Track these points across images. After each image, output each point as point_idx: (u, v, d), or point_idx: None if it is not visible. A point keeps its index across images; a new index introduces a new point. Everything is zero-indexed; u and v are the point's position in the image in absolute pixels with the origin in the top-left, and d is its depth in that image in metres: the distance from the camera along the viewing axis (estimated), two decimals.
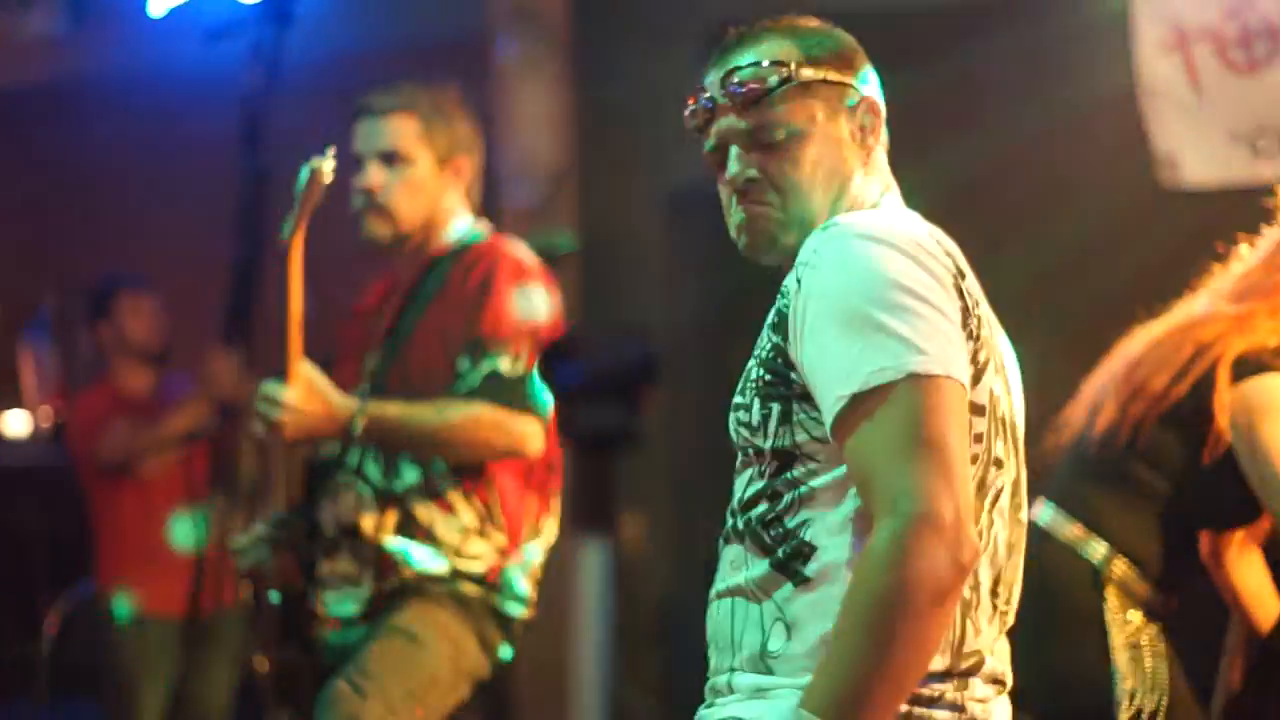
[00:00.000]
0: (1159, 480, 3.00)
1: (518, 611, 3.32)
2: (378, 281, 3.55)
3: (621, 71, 5.97)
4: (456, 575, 3.24)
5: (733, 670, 2.12)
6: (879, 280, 2.01)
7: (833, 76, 2.19)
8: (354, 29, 6.47)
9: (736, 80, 2.17)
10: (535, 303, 3.26)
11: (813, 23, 2.26)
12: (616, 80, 5.96)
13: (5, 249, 7.64)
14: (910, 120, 2.43)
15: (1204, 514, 3.08)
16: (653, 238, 5.62)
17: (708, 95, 2.21)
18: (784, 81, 2.16)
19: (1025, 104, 4.99)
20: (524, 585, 3.33)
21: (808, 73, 2.17)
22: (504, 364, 3.20)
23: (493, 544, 3.26)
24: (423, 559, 3.22)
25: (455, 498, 3.25)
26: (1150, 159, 4.76)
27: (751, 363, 2.14)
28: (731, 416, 2.15)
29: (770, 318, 2.12)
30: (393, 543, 3.22)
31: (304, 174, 3.07)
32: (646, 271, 5.68)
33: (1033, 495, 2.30)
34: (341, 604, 3.25)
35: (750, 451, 2.13)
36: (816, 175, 2.16)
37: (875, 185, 2.23)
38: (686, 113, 2.25)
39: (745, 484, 2.14)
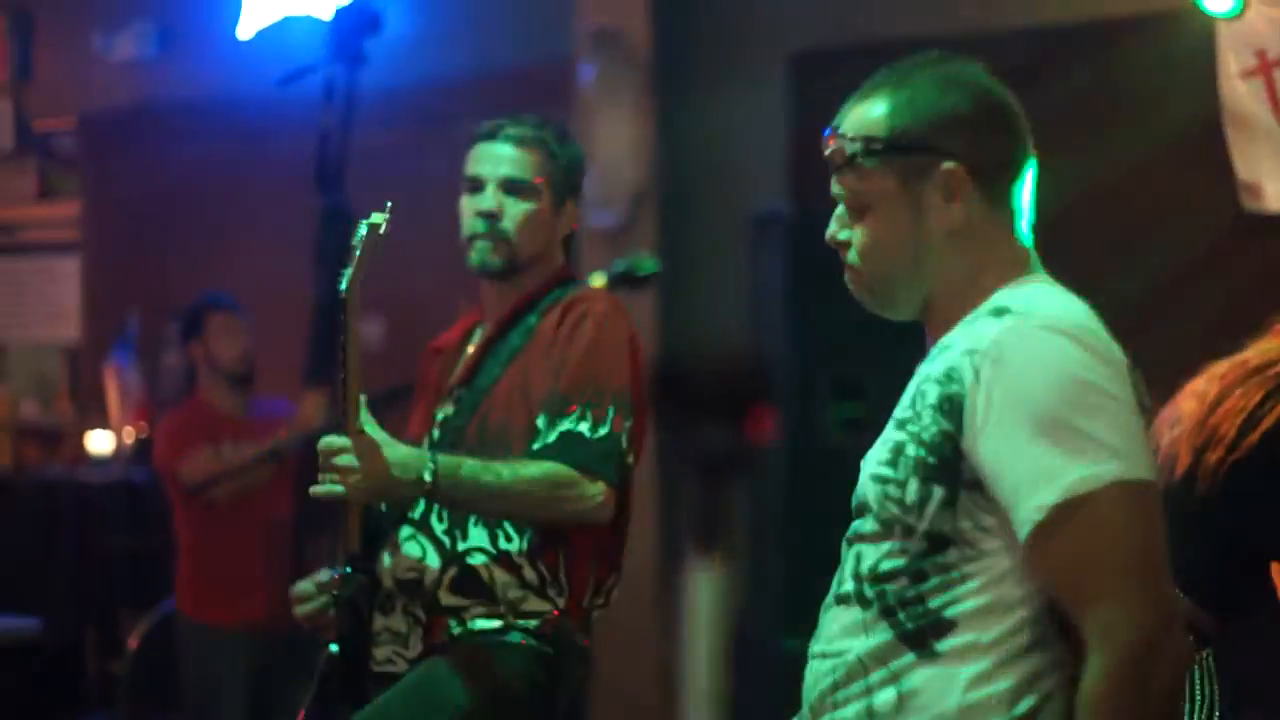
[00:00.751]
0: (1234, 520, 2.96)
1: (570, 664, 3.17)
2: (461, 319, 3.47)
3: (703, 95, 5.98)
4: (509, 628, 3.12)
5: None
6: (1070, 379, 2.02)
7: (917, 143, 2.17)
8: (437, 55, 6.52)
9: (831, 144, 2.21)
10: (624, 364, 3.14)
11: (925, 74, 2.22)
12: (698, 104, 5.97)
13: (91, 268, 7.72)
14: None
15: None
16: (733, 261, 5.62)
17: (828, 145, 2.24)
18: (866, 153, 2.17)
19: (1108, 133, 4.97)
20: (580, 640, 3.19)
21: (890, 142, 2.17)
22: (584, 426, 3.06)
23: (552, 604, 3.14)
24: (476, 619, 3.11)
25: (520, 559, 3.11)
26: (1234, 187, 4.73)
27: (903, 436, 2.12)
28: (874, 486, 2.14)
29: (931, 396, 2.10)
30: (448, 600, 3.11)
31: (362, 229, 3.00)
32: (726, 295, 5.68)
33: None
34: (391, 661, 3.14)
35: (895, 526, 2.12)
36: (886, 251, 2.19)
37: (986, 254, 2.20)
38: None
39: (880, 555, 2.13)
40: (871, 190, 2.18)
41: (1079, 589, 2.00)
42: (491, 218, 3.21)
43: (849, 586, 2.15)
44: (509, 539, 3.11)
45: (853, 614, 2.14)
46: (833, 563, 2.27)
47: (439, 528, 3.14)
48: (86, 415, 7.63)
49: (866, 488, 2.15)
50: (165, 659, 5.36)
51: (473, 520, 3.12)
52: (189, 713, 5.24)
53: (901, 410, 2.16)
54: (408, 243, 3.37)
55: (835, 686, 2.14)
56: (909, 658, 2.08)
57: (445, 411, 3.30)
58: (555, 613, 3.13)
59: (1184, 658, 1.99)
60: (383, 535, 3.19)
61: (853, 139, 2.18)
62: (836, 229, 2.21)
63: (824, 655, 2.17)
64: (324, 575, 3.21)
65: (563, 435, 3.05)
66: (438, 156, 6.37)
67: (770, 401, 1.45)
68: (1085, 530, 1.98)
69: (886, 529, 2.12)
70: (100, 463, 7.45)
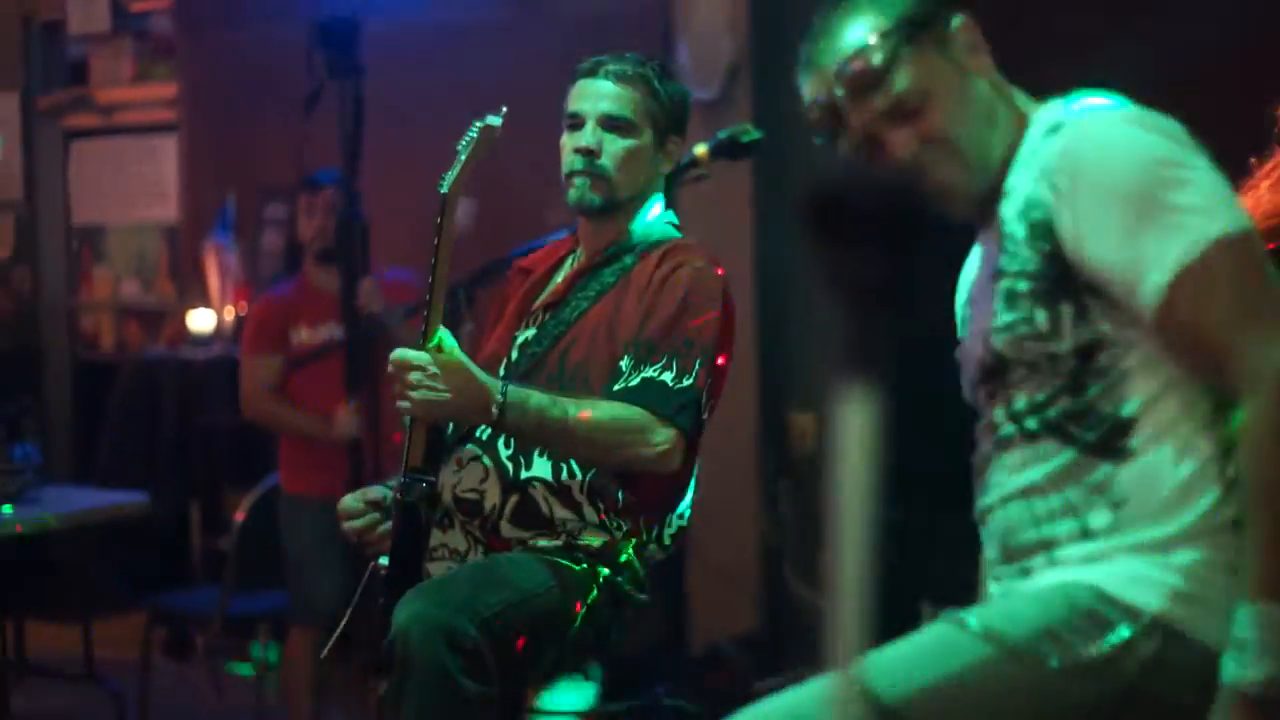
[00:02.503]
0: None
1: (628, 589, 3.14)
2: (556, 244, 3.45)
3: None
4: (570, 547, 3.10)
5: (1048, 553, 2.18)
6: (1147, 162, 2.10)
7: (925, 19, 2.24)
8: None
9: (850, 71, 2.22)
10: (715, 317, 3.11)
11: None
12: None
13: (189, 148, 7.76)
14: None
15: None
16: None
17: (823, 98, 2.25)
18: (894, 54, 2.20)
19: None
20: (639, 568, 3.16)
21: (907, 32, 2.22)
22: (668, 376, 3.03)
23: (611, 536, 3.12)
24: (538, 540, 3.10)
25: (580, 496, 3.10)
26: None
27: (1008, 282, 2.18)
28: (1002, 336, 2.19)
29: (1020, 232, 2.17)
30: (508, 531, 3.10)
31: (474, 130, 2.98)
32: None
33: None
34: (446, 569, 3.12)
35: (1040, 361, 2.17)
36: (966, 115, 2.24)
37: (1008, 91, 2.32)
38: (812, 121, 2.28)
39: (1032, 390, 2.18)
40: (918, 79, 2.21)
41: (1215, 349, 2.07)
42: (590, 154, 3.19)
43: (1008, 430, 2.22)
44: (571, 474, 3.10)
45: (1021, 452, 2.21)
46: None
47: (504, 453, 3.12)
48: (187, 295, 7.70)
49: (995, 346, 2.20)
50: (269, 533, 5.43)
51: (538, 451, 3.10)
52: (290, 580, 5.32)
53: (995, 268, 2.21)
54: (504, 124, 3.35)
55: (1035, 520, 2.19)
56: (1104, 468, 2.15)
57: (526, 334, 3.28)
58: (613, 541, 3.12)
59: None
60: (446, 451, 3.17)
61: (871, 47, 2.21)
62: (904, 148, 2.22)
63: (1004, 501, 2.23)
64: (375, 491, 3.21)
65: (645, 381, 3.04)
66: (535, 36, 6.37)
67: (926, 227, 1.46)
68: (1203, 294, 2.06)
69: (1031, 368, 2.18)
70: (201, 341, 7.53)
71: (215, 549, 6.88)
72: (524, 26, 3.33)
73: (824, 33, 2.27)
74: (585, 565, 3.08)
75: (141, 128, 8.28)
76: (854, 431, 1.38)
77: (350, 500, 3.21)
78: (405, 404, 2.96)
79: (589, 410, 2.99)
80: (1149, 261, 2.06)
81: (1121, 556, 2.12)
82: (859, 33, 2.23)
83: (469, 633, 2.81)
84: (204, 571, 7.08)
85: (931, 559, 4.68)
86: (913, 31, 2.22)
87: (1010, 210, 2.19)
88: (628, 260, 3.22)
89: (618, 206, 3.23)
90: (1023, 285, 2.16)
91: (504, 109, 2.99)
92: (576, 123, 3.23)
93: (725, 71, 5.91)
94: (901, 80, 2.21)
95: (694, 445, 3.12)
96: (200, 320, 7.55)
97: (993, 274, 2.21)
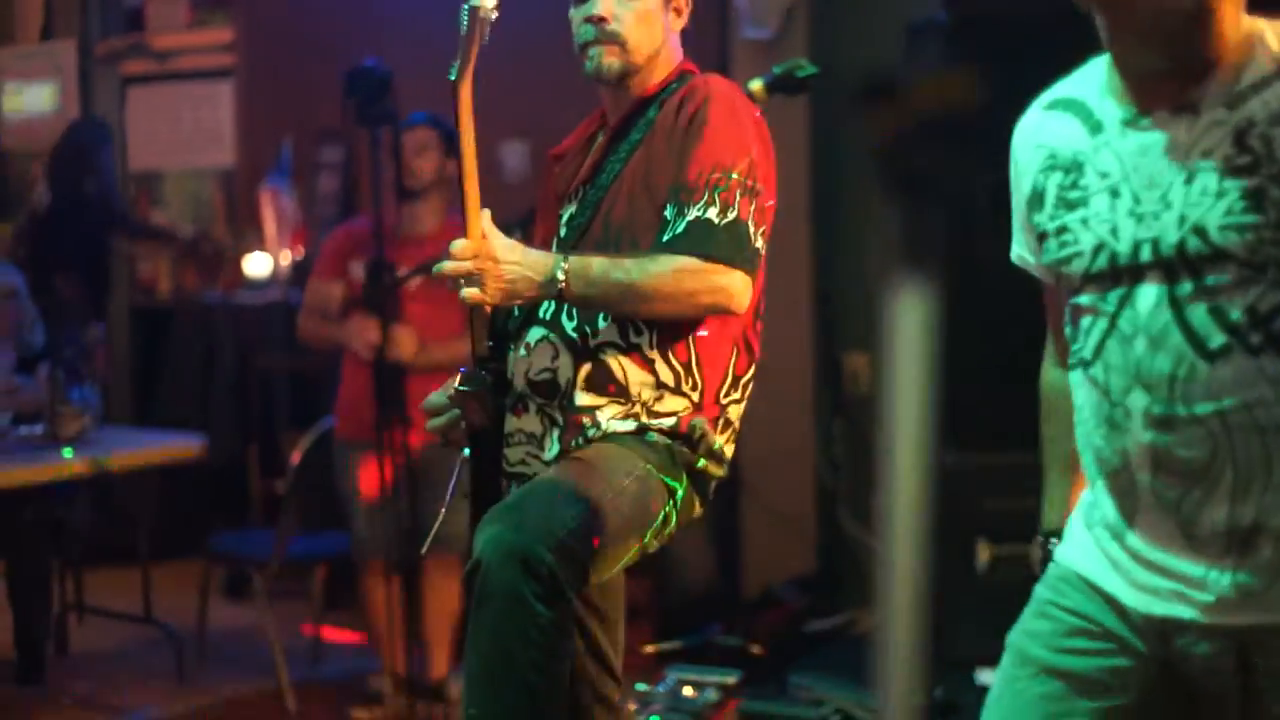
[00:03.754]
0: None
1: (710, 466, 3.13)
2: (583, 124, 3.41)
3: None
4: (645, 429, 3.08)
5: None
6: None
7: None
8: None
9: None
10: (747, 144, 3.07)
11: None
12: None
13: (244, 94, 7.77)
14: None
15: None
16: (886, 71, 5.53)
17: None
18: None
19: None
20: (718, 441, 3.14)
21: None
22: (712, 212, 3.01)
23: (688, 400, 3.10)
24: (611, 419, 3.07)
25: (653, 354, 3.08)
26: None
27: (1258, 180, 2.16)
28: (1237, 235, 2.16)
29: (1226, 145, 2.17)
30: (583, 400, 3.07)
31: (464, 13, 2.96)
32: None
33: None
34: (525, 462, 3.12)
35: (1269, 266, 2.15)
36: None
37: None
38: None
39: (1253, 299, 2.17)
40: None
41: None
42: (601, 21, 3.17)
43: (1220, 340, 2.18)
44: (639, 332, 3.08)
45: (1239, 364, 2.17)
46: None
47: (569, 325, 3.11)
48: (243, 239, 7.72)
49: (1219, 240, 2.16)
50: (326, 475, 5.45)
51: (601, 316, 3.09)
52: (347, 522, 5.35)
53: (1228, 159, 2.18)
54: (550, 67, 3.33)
55: (1262, 432, 2.18)
56: None
57: (569, 210, 3.27)
58: (690, 411, 3.10)
59: None
60: (510, 337, 3.18)
61: None
62: None
63: (1221, 413, 2.19)
64: (451, 384, 3.19)
65: (691, 224, 3.01)
66: None
67: (973, 124, 1.45)
68: None
69: (1257, 271, 2.16)
70: (257, 286, 7.55)
71: (272, 491, 6.92)
72: None
73: None
74: (663, 451, 3.07)
75: (197, 73, 8.30)
76: (908, 333, 1.37)
77: (435, 396, 3.23)
78: (471, 290, 2.96)
79: (649, 265, 2.98)
80: None
81: None
82: None
83: (544, 558, 2.80)
84: (261, 514, 7.13)
85: (986, 496, 4.67)
86: None
87: (1259, 110, 2.17)
88: (650, 113, 3.20)
89: (636, 69, 3.21)
90: (1276, 191, 2.14)
91: None
92: None
93: (783, 11, 5.87)
94: None
95: (756, 278, 3.10)
96: (257, 265, 7.57)
97: (1235, 168, 2.17)
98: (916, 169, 1.50)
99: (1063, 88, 2.43)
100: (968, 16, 5.06)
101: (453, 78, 2.98)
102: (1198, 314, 2.19)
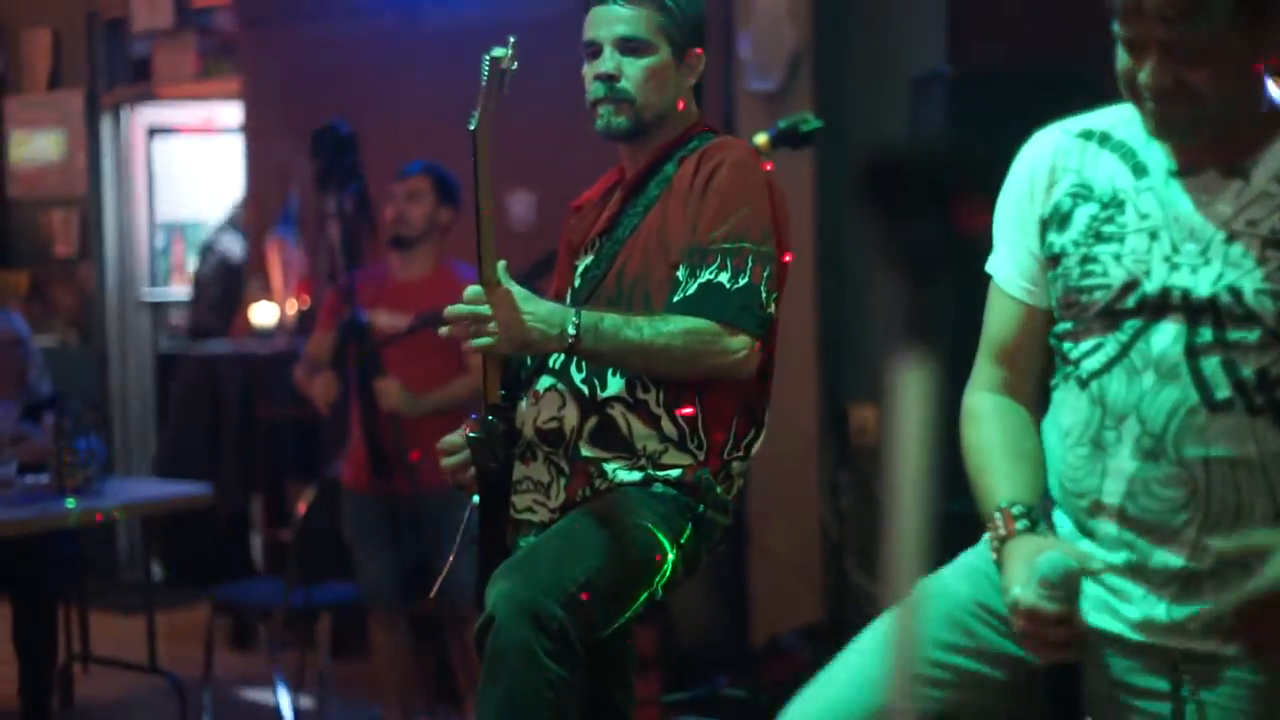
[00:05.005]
0: None
1: (713, 516, 3.13)
2: (603, 179, 3.42)
3: None
4: (651, 480, 3.08)
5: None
6: None
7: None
8: None
9: None
10: (763, 211, 3.08)
11: None
12: None
13: (253, 145, 7.80)
14: None
15: None
16: (892, 124, 5.56)
17: None
18: (1222, 6, 2.18)
19: None
20: (722, 491, 3.14)
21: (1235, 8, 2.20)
22: (724, 276, 3.01)
23: (691, 456, 3.10)
24: (618, 470, 3.08)
25: (658, 411, 3.09)
26: None
27: (1270, 253, 2.24)
28: (1271, 301, 2.23)
29: (1274, 218, 2.25)
30: (588, 452, 3.09)
31: (484, 64, 2.97)
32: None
33: None
34: (531, 509, 3.13)
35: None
36: (1233, 92, 2.26)
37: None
38: None
39: (1267, 363, 2.25)
40: (1221, 38, 2.20)
41: None
42: (610, 79, 3.19)
43: (1226, 393, 2.25)
44: (646, 389, 3.09)
45: (1237, 419, 2.25)
46: None
47: (577, 377, 3.12)
48: (251, 288, 7.74)
49: (1251, 301, 2.24)
50: (331, 525, 5.45)
51: (611, 370, 3.10)
52: (355, 576, 5.35)
53: (1274, 231, 2.25)
54: (559, 118, 3.35)
55: (1238, 488, 2.25)
56: None
57: (585, 261, 3.28)
58: (694, 465, 3.11)
59: None
60: (522, 385, 3.20)
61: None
62: (1157, 77, 2.24)
63: (1206, 461, 2.26)
64: (463, 430, 3.22)
65: (703, 287, 3.02)
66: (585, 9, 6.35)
67: (981, 195, 1.47)
68: None
69: (1275, 336, 2.24)
70: (264, 335, 7.56)
71: (277, 541, 6.92)
72: (577, 21, 3.32)
73: None
74: (669, 502, 3.08)
75: (205, 127, 8.37)
76: (912, 407, 1.38)
77: (451, 438, 3.21)
78: (483, 340, 2.95)
79: (660, 325, 2.99)
80: None
81: None
82: None
83: (555, 614, 2.82)
84: (266, 563, 7.12)
85: None
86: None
87: None
88: (668, 169, 3.22)
89: (646, 127, 3.22)
90: None
91: (511, 39, 2.99)
92: (594, 50, 3.22)
93: (787, 62, 5.90)
94: (1210, 34, 2.20)
95: (769, 342, 3.11)
96: (263, 314, 7.59)
97: (1273, 239, 2.25)
98: (920, 247, 1.52)
99: (1097, 120, 2.47)
100: (971, 69, 5.08)
101: (472, 127, 2.99)
102: (1211, 364, 2.26)
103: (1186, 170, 2.33)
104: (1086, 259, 2.37)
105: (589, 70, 3.23)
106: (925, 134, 4.99)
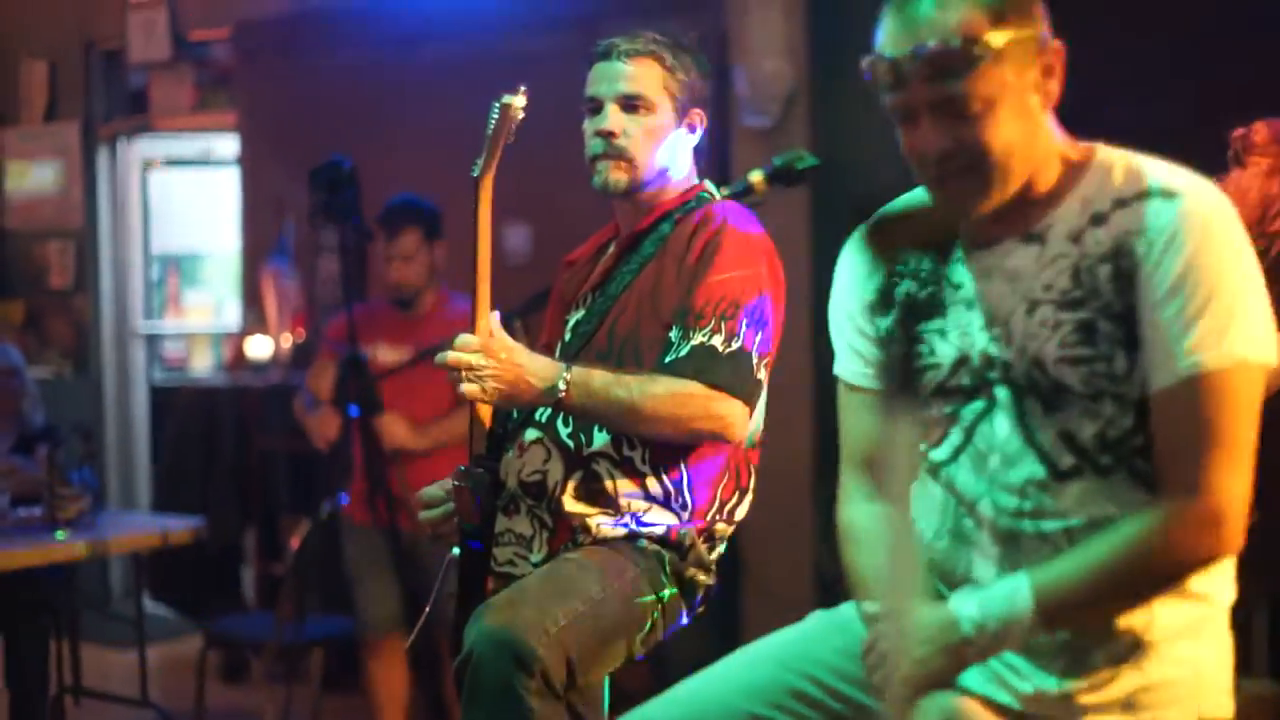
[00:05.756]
0: None
1: (699, 575, 3.13)
2: (599, 233, 3.44)
3: None
4: (635, 536, 3.09)
5: None
6: (1243, 259, 2.16)
7: (1019, 34, 2.18)
8: None
9: (938, 49, 2.14)
10: (759, 276, 3.09)
11: None
12: (850, 1, 5.90)
13: (249, 177, 7.80)
14: None
15: None
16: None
17: (895, 54, 2.19)
18: (987, 52, 2.14)
19: None
20: (705, 551, 3.14)
21: (997, 39, 2.15)
22: (717, 340, 3.01)
23: (675, 516, 3.11)
24: (601, 525, 3.08)
25: (644, 469, 3.09)
26: None
27: (1087, 314, 2.20)
28: (1073, 368, 2.20)
29: (1103, 274, 2.19)
30: (571, 507, 3.08)
31: (494, 110, 2.99)
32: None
33: None
34: (513, 563, 3.13)
35: (1106, 398, 2.20)
36: (1014, 138, 2.19)
37: (1051, 125, 2.29)
38: (871, 67, 2.23)
39: (1101, 425, 2.21)
40: (992, 87, 2.16)
41: (1186, 451, 2.16)
42: (610, 137, 3.19)
43: (1070, 461, 2.22)
44: (632, 446, 3.09)
45: (1088, 484, 2.22)
46: None
47: (564, 431, 3.12)
48: (246, 321, 7.73)
49: (1057, 374, 2.20)
50: (325, 559, 5.44)
51: (597, 427, 3.10)
52: (349, 610, 5.34)
53: (1065, 293, 2.21)
54: (555, 151, 3.35)
55: None
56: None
57: (576, 316, 3.28)
58: (678, 525, 3.10)
59: None
60: (508, 437, 3.19)
61: (972, 36, 2.14)
62: (932, 143, 2.19)
63: (1069, 531, 2.23)
64: (447, 481, 3.19)
65: (695, 349, 3.02)
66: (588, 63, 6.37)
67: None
68: (1213, 399, 2.14)
69: (1096, 402, 2.20)
70: (259, 368, 7.55)
71: (271, 575, 6.90)
72: (581, 55, 3.32)
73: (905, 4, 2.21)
74: (652, 558, 3.07)
75: (210, 160, 8.38)
76: (903, 447, 1.39)
77: (430, 490, 3.22)
78: (470, 388, 2.97)
79: (649, 386, 2.99)
80: (1190, 346, 2.13)
81: None
82: (964, 13, 2.16)
83: (536, 653, 2.82)
84: (259, 597, 7.10)
85: None
86: (1014, 40, 2.17)
87: (1092, 246, 2.21)
88: (664, 228, 3.22)
89: (642, 187, 3.22)
90: (1105, 325, 2.18)
91: (522, 88, 2.99)
92: (595, 106, 3.23)
93: (783, 99, 5.90)
94: (977, 81, 2.15)
95: (754, 406, 3.10)
96: (258, 347, 7.58)
97: (1067, 301, 2.21)
98: (912, 291, 1.53)
99: (908, 198, 2.43)
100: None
101: (475, 174, 2.99)
102: (1047, 438, 2.23)
103: (985, 243, 2.30)
104: (913, 339, 2.35)
105: (589, 125, 3.24)
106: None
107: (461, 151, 5.57)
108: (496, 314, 3.00)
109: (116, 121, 8.49)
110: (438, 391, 5.07)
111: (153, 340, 8.71)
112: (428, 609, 3.22)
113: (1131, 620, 2.21)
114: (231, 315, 8.53)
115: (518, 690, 2.80)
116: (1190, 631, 2.25)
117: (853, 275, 2.51)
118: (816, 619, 2.55)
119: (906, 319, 2.36)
